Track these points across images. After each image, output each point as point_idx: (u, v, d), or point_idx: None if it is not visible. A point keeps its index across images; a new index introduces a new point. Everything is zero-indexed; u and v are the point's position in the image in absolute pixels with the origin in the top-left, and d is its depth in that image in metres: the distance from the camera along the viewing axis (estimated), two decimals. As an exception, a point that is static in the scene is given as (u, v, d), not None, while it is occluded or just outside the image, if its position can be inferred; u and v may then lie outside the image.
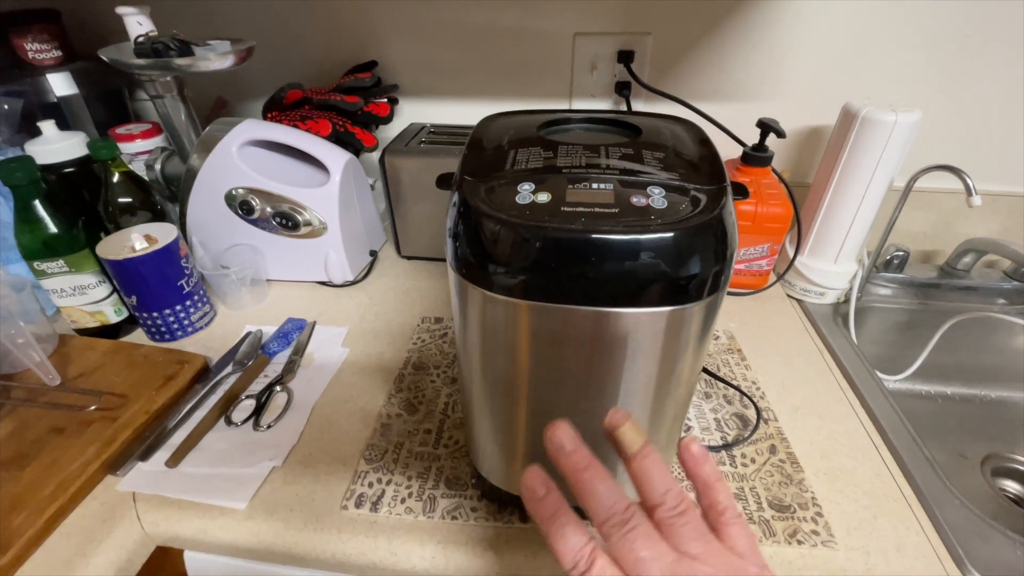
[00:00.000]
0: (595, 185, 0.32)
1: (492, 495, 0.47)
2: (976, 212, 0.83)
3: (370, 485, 0.48)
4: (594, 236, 0.29)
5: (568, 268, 0.29)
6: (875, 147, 0.64)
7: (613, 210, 0.30)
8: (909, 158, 0.66)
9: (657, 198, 0.31)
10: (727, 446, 0.52)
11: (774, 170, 0.71)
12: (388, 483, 0.48)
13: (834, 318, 0.73)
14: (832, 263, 0.73)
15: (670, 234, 0.29)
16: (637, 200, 0.31)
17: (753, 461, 0.51)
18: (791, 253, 0.74)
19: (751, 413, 0.56)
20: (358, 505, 0.47)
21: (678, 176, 0.33)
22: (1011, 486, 0.73)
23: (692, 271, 0.30)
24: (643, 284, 0.30)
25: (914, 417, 0.58)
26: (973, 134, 0.79)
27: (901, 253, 0.79)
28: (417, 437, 0.53)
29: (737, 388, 0.58)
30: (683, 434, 0.54)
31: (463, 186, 0.33)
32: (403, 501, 0.47)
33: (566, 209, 0.30)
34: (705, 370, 0.60)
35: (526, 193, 0.32)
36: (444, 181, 0.37)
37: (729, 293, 0.74)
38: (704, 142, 0.39)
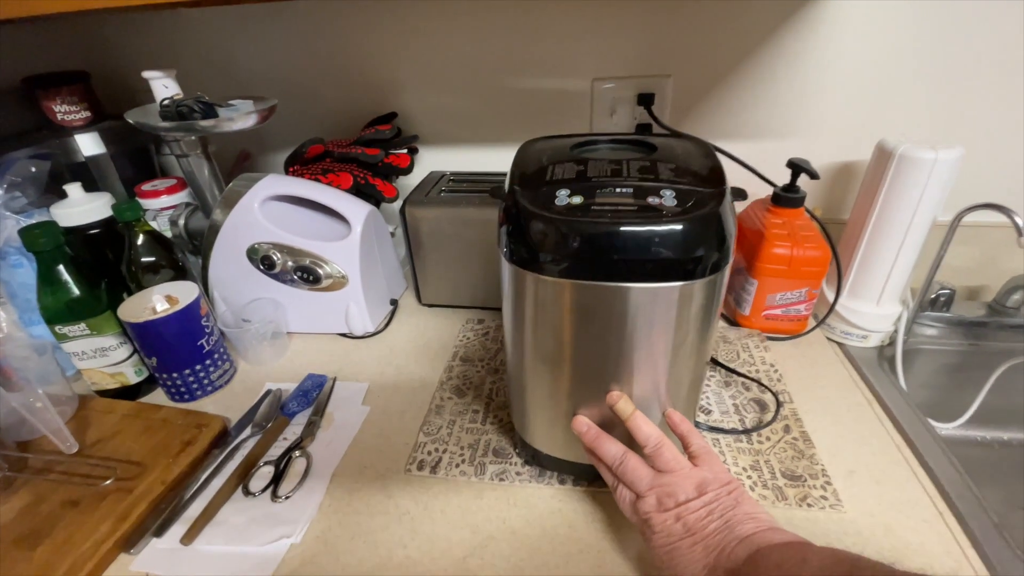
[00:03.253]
0: (618, 190, 0.39)
1: (534, 462, 0.54)
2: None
3: (428, 453, 0.56)
4: (619, 228, 0.36)
5: (599, 253, 0.37)
6: (915, 186, 0.61)
7: (633, 208, 0.37)
8: (949, 193, 0.63)
9: (668, 198, 0.38)
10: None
11: (807, 210, 0.68)
12: (444, 452, 0.56)
13: (879, 362, 0.69)
14: (874, 304, 0.69)
15: (679, 226, 0.36)
16: (653, 200, 0.38)
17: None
18: (829, 295, 0.70)
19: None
20: (420, 468, 0.54)
21: (686, 182, 0.40)
22: (1086, 544, 0.67)
23: (697, 254, 0.37)
24: (658, 265, 0.37)
25: (971, 465, 0.54)
26: (1015, 167, 0.75)
27: (947, 291, 0.75)
28: (467, 416, 0.60)
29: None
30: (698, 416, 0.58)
31: (514, 194, 0.40)
32: (457, 466, 0.54)
33: (595, 208, 0.38)
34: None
35: (563, 197, 0.39)
36: (497, 192, 0.44)
37: (767, 338, 0.71)
38: (709, 155, 0.45)
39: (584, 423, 0.45)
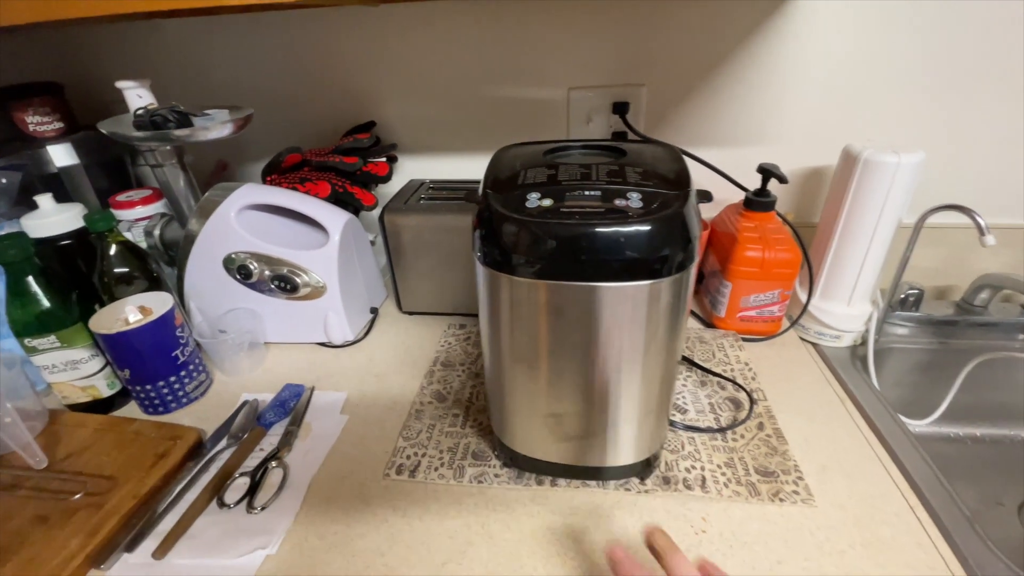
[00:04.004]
0: (587, 193, 0.40)
1: (512, 464, 0.54)
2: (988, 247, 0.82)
3: (408, 457, 0.56)
4: (585, 229, 0.37)
5: (568, 254, 0.38)
6: (880, 188, 0.63)
7: (600, 210, 0.39)
8: (916, 196, 0.65)
9: (635, 200, 0.39)
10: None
11: (779, 214, 0.70)
12: (423, 455, 0.56)
13: (852, 361, 0.70)
14: (846, 305, 0.71)
15: (644, 227, 0.37)
16: (619, 202, 0.39)
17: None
18: (802, 296, 0.72)
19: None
20: (398, 472, 0.54)
21: (652, 184, 0.41)
22: (1055, 534, 0.69)
23: (662, 253, 0.38)
24: (624, 264, 0.38)
25: (944, 461, 0.55)
26: (978, 169, 0.78)
27: (915, 291, 0.77)
28: (447, 420, 0.60)
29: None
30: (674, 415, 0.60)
31: (488, 198, 0.41)
32: (436, 469, 0.54)
33: (564, 210, 0.39)
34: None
35: (534, 200, 0.40)
36: (471, 197, 0.45)
37: (743, 339, 0.72)
38: (677, 159, 0.47)
39: (621, 553, 0.39)
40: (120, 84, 0.65)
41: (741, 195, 0.72)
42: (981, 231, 0.62)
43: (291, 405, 0.62)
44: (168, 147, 0.68)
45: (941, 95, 0.74)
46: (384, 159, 0.81)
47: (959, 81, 0.73)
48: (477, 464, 0.54)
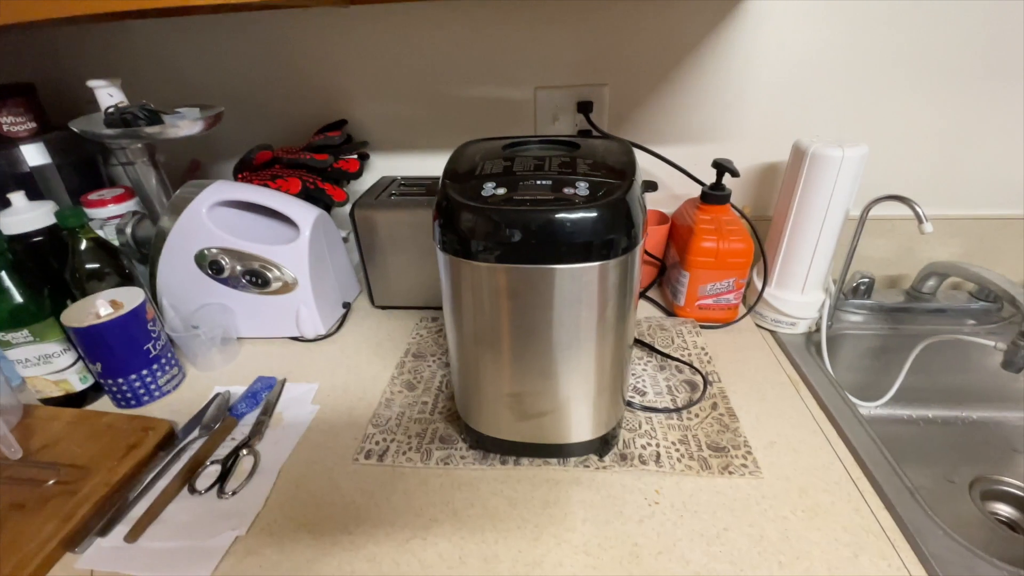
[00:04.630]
0: (539, 182, 0.43)
1: (478, 445, 0.56)
2: (935, 236, 0.86)
3: (376, 443, 0.57)
4: (537, 215, 0.40)
5: (520, 238, 0.40)
6: (827, 181, 0.66)
7: (550, 197, 0.41)
8: (864, 188, 0.69)
9: (582, 189, 0.42)
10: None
11: (734, 206, 0.73)
12: (392, 441, 0.58)
13: (807, 347, 0.74)
14: (799, 293, 0.74)
15: (591, 213, 0.40)
16: (568, 190, 0.42)
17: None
18: (759, 285, 0.75)
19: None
20: (367, 457, 0.56)
21: (600, 175, 0.44)
22: (1002, 509, 0.73)
23: (608, 236, 0.41)
24: (572, 247, 0.41)
25: (898, 442, 0.57)
26: (924, 163, 0.82)
27: (866, 279, 0.81)
28: (416, 408, 0.63)
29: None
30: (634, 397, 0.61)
31: (446, 188, 0.44)
32: (404, 453, 0.56)
33: (517, 198, 0.42)
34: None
35: (489, 189, 0.43)
36: (433, 189, 0.47)
37: (700, 327, 0.75)
38: (627, 153, 0.49)
39: None
40: (91, 83, 0.66)
41: (698, 190, 0.75)
42: (919, 219, 0.66)
43: (263, 396, 0.64)
44: (139, 145, 0.69)
45: (888, 92, 0.78)
46: (355, 156, 0.83)
47: (905, 78, 0.76)
48: (444, 447, 0.56)
